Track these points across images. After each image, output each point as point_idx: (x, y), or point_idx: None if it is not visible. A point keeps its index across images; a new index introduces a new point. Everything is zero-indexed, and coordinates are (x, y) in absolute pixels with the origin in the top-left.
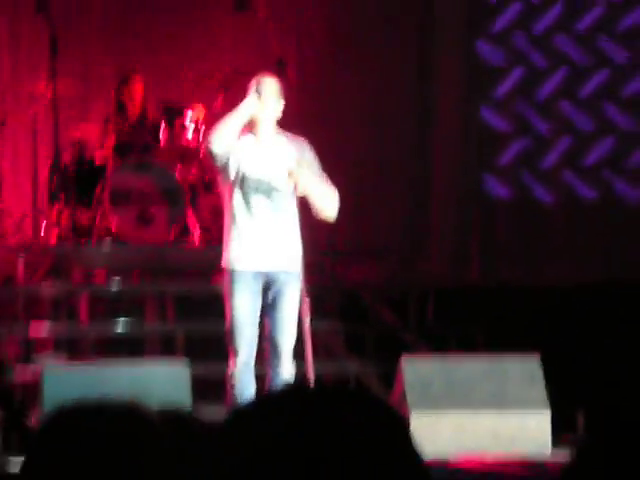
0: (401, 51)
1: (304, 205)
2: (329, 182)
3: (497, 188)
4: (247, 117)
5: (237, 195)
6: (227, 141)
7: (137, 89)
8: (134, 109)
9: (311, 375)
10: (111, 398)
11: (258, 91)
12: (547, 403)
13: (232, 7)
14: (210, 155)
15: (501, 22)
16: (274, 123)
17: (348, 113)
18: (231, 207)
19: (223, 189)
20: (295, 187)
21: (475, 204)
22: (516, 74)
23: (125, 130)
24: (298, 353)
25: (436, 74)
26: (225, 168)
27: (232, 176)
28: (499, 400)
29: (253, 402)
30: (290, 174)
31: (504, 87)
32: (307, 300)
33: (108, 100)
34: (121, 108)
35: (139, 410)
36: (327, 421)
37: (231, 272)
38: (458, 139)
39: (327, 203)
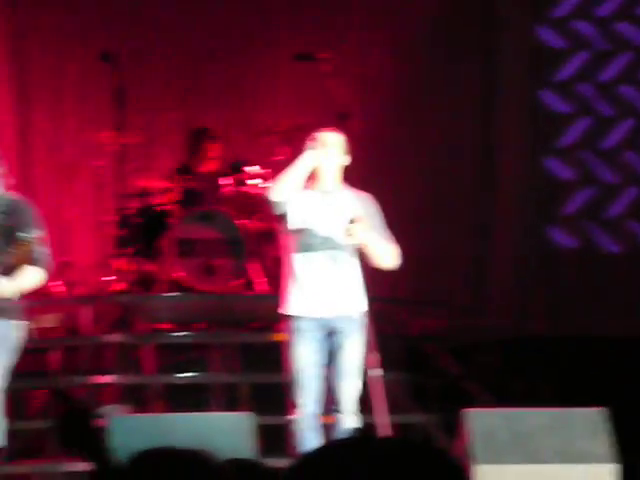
0: (464, 101)
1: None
2: (392, 237)
3: (561, 238)
4: (309, 168)
5: (297, 245)
6: (288, 191)
7: (209, 143)
8: (202, 161)
9: (387, 427)
10: (182, 447)
11: (320, 143)
12: (614, 457)
13: (294, 58)
14: (271, 204)
15: (566, 71)
16: (338, 177)
17: (410, 164)
18: (291, 257)
19: (284, 239)
20: (350, 239)
21: (539, 254)
22: (581, 123)
23: (191, 180)
24: (366, 405)
25: (499, 124)
26: (285, 217)
27: (293, 226)
28: (565, 454)
29: (318, 450)
30: (348, 231)
31: (569, 136)
32: (376, 355)
33: (173, 150)
34: (190, 159)
35: (209, 457)
36: (392, 472)
37: (292, 320)
38: (521, 188)
39: (386, 257)
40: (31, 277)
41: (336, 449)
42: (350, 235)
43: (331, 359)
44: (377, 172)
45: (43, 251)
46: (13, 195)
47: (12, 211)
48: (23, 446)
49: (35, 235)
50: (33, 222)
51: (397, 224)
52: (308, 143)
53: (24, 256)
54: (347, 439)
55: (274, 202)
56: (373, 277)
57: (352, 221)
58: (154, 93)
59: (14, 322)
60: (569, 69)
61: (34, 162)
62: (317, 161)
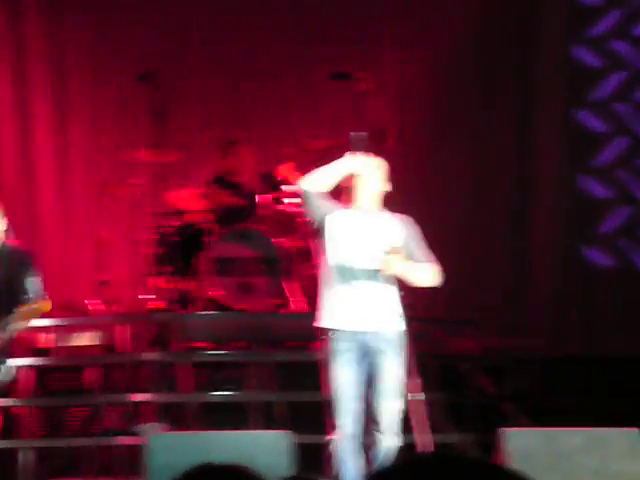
0: (501, 118)
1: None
2: (433, 256)
3: (597, 257)
4: (343, 169)
5: (332, 261)
6: (318, 183)
7: (243, 158)
8: (237, 177)
9: (427, 449)
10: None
11: (356, 151)
12: None
13: (331, 77)
14: (301, 198)
15: (603, 90)
16: (377, 200)
17: (448, 183)
18: (328, 274)
19: (318, 253)
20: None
21: (575, 273)
22: (618, 142)
23: (227, 198)
24: (406, 425)
25: (535, 143)
26: (321, 233)
27: (328, 243)
28: (602, 474)
29: (393, 466)
30: (384, 262)
31: (605, 155)
32: (418, 380)
33: (209, 168)
34: (225, 175)
35: (254, 474)
36: None
37: (329, 336)
38: (557, 208)
39: (424, 280)
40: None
41: (413, 465)
42: (386, 266)
43: (370, 380)
44: (415, 191)
45: (38, 294)
46: (13, 247)
47: (11, 263)
48: (61, 464)
49: (35, 294)
50: (31, 271)
51: (435, 242)
52: (349, 152)
53: (26, 316)
54: (420, 456)
55: (305, 194)
56: (410, 298)
57: (388, 253)
58: (193, 112)
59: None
60: (606, 88)
61: (73, 180)
62: (355, 166)
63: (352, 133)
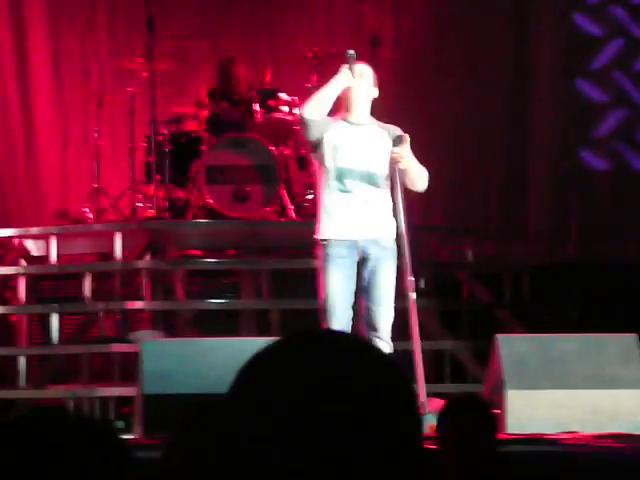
0: (498, 23)
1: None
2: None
3: (594, 160)
4: (339, 89)
5: (330, 173)
6: (319, 110)
7: (239, 71)
8: (233, 88)
9: (419, 353)
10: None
11: (351, 69)
12: None
13: None
14: (304, 125)
15: None
16: (368, 108)
17: (444, 90)
18: (325, 184)
19: (317, 167)
20: (395, 164)
21: (572, 177)
22: (614, 45)
23: (221, 107)
24: (398, 331)
25: (533, 46)
26: (319, 146)
27: (326, 156)
28: (595, 379)
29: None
30: (395, 154)
31: (601, 59)
32: (412, 279)
33: (204, 78)
34: (221, 86)
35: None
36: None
37: (325, 244)
38: (554, 113)
39: (419, 182)
40: None
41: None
42: (398, 155)
43: (364, 289)
44: (410, 98)
45: None
46: None
47: None
48: (57, 371)
49: None
50: None
51: (431, 150)
52: (343, 66)
53: None
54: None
55: (308, 122)
56: (408, 203)
57: (396, 142)
58: (184, 21)
59: None
60: None
61: (65, 88)
62: (349, 83)
63: (349, 50)
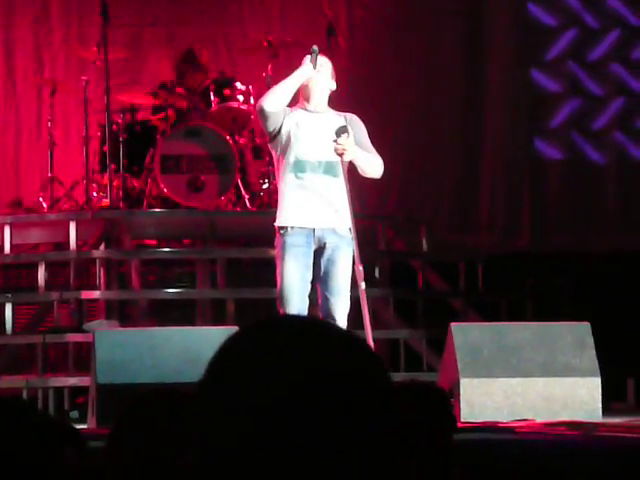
0: (452, 11)
1: (353, 171)
2: (375, 152)
3: (548, 150)
4: (301, 82)
5: (288, 161)
6: (280, 102)
7: (203, 59)
8: (192, 77)
9: (370, 341)
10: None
11: (313, 62)
12: (597, 370)
13: None
14: (262, 116)
15: None
16: (326, 99)
17: (397, 78)
18: (283, 173)
19: (275, 156)
20: (341, 156)
21: (526, 167)
22: (568, 35)
23: (177, 96)
24: (352, 320)
25: (486, 37)
26: (277, 136)
27: (284, 145)
28: (549, 367)
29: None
30: (337, 147)
31: (555, 49)
32: (361, 268)
33: (159, 66)
34: (179, 75)
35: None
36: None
37: (282, 233)
38: (508, 103)
39: (371, 170)
40: None
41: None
42: (340, 147)
43: (320, 278)
44: (364, 85)
45: None
46: None
47: None
48: (12, 361)
49: None
50: None
51: (384, 139)
52: (305, 59)
53: None
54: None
55: (267, 114)
56: (362, 192)
57: (338, 134)
58: (138, 9)
59: None
60: None
61: (18, 77)
62: (310, 75)
63: (313, 46)
